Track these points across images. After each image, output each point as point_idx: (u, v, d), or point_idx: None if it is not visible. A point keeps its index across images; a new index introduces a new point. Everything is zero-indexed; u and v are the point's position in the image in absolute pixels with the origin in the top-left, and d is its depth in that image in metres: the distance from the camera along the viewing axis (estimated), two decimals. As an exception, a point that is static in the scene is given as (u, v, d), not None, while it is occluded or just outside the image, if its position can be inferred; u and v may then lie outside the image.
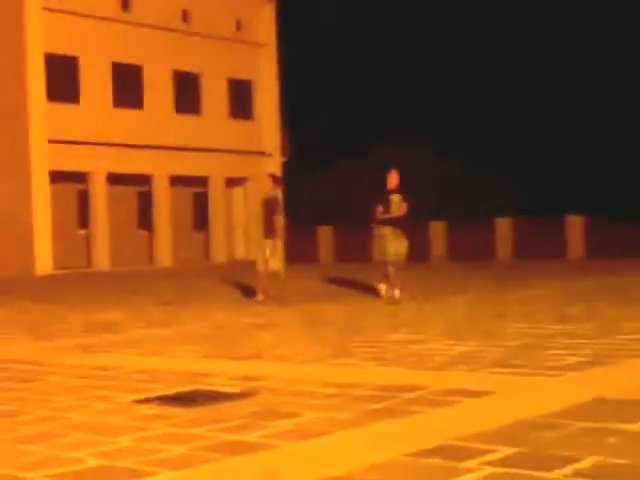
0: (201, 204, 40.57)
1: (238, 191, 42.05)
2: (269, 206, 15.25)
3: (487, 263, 30.67)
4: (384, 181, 14.75)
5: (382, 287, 14.93)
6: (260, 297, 15.31)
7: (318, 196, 45.98)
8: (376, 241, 14.76)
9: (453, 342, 9.04)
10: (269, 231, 15.14)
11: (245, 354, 8.62)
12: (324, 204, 44.88)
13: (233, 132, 40.57)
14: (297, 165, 43.19)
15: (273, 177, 16.17)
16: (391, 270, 14.67)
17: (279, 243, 15.18)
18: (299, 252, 32.32)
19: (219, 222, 40.13)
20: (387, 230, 14.51)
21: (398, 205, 14.56)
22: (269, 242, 15.17)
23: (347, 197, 45.13)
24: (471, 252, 32.76)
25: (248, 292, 17.24)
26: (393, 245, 14.54)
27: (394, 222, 14.55)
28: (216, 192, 39.99)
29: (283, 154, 42.39)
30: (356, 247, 32.69)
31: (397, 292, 14.63)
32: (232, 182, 41.27)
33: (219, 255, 39.86)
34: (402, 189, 14.67)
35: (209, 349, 9.11)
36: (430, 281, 19.63)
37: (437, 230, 34.73)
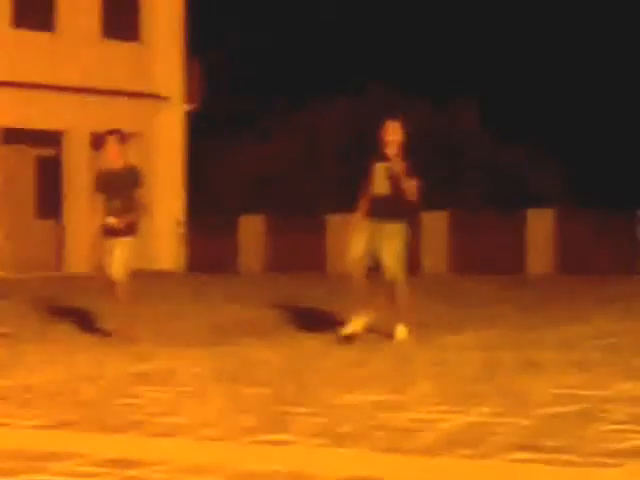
0: (50, 175, 32.60)
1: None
2: (115, 182, 11.60)
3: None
4: (376, 138, 10.21)
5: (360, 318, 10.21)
6: (128, 328, 11.73)
7: (242, 170, 35.61)
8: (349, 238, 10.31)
9: (449, 408, 7.11)
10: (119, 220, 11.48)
11: (119, 423, 6.84)
12: (251, 183, 35.06)
13: (107, 60, 30.73)
14: (210, 118, 35.11)
15: (120, 136, 12.22)
16: (398, 291, 10.17)
17: (130, 239, 11.20)
18: (210, 256, 24.91)
19: (79, 204, 31.59)
20: (365, 222, 9.96)
21: (387, 179, 9.79)
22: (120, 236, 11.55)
23: (285, 171, 35.39)
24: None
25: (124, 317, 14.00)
26: (362, 246, 10.09)
27: (381, 208, 9.81)
28: (75, 156, 32.33)
29: (189, 100, 34.80)
30: (299, 249, 25.28)
31: (402, 328, 10.18)
32: (102, 141, 33.90)
33: (77, 256, 31.24)
34: (406, 155, 10.05)
35: (60, 414, 7.20)
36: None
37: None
